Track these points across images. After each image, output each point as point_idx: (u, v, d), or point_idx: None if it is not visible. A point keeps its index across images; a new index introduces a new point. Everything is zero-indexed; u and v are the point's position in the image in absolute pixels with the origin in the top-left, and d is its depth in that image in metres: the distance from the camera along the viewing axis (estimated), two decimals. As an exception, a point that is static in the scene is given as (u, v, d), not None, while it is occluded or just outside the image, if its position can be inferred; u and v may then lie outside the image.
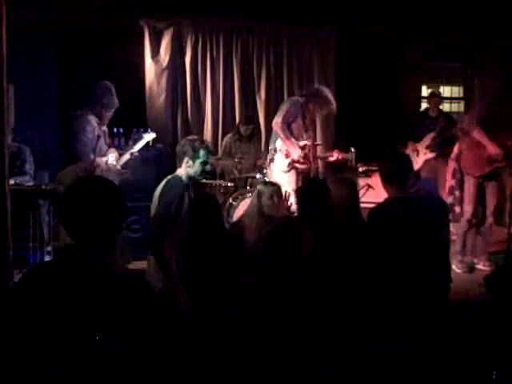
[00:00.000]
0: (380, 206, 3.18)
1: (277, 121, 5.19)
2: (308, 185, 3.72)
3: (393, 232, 2.97)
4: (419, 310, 2.88)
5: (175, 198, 3.45)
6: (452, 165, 5.52)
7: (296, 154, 5.18)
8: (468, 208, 4.93)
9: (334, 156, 5.44)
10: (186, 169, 3.59)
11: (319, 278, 2.25)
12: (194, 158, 3.56)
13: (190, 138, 3.75)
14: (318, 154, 5.56)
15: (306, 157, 5.27)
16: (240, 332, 1.96)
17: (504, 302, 2.42)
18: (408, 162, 3.28)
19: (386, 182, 3.19)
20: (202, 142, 3.73)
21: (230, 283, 2.55)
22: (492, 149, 4.81)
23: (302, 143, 5.24)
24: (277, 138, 5.29)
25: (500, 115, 4.84)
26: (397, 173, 3.15)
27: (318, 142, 5.90)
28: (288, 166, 5.23)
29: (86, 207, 1.76)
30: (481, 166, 4.90)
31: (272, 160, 5.41)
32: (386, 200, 3.19)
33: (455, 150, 5.31)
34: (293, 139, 5.19)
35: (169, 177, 3.61)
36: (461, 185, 5.25)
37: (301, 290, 2.06)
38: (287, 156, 5.21)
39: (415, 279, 2.94)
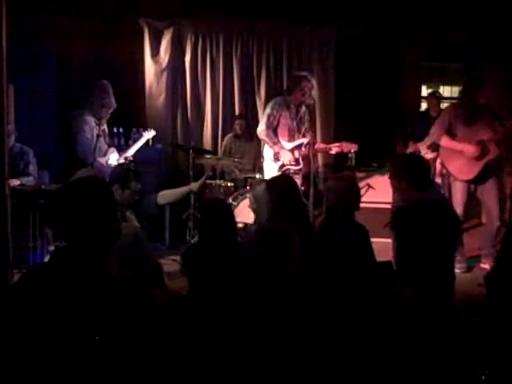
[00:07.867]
0: (407, 208, 3.21)
1: (261, 129, 5.19)
2: (272, 181, 3.57)
3: (422, 232, 3.03)
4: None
5: None
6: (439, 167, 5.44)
7: (286, 157, 5.14)
8: (457, 211, 4.86)
9: (334, 150, 5.26)
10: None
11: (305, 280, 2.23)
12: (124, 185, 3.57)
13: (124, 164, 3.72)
14: (319, 146, 5.43)
15: (304, 157, 5.22)
16: (238, 335, 1.95)
17: (503, 300, 2.42)
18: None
19: (414, 187, 3.19)
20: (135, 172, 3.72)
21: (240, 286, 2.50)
22: (467, 149, 4.78)
23: (292, 145, 5.18)
24: (265, 145, 5.30)
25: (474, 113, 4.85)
26: (426, 179, 3.22)
27: (318, 141, 5.86)
28: (279, 171, 5.15)
29: (77, 208, 1.73)
30: (468, 168, 4.84)
31: (261, 169, 5.43)
32: (413, 202, 3.20)
33: (438, 165, 5.28)
34: (280, 143, 5.15)
35: None
36: (449, 187, 5.18)
37: (292, 294, 2.02)
38: (278, 159, 5.16)
39: (441, 279, 3.07)
